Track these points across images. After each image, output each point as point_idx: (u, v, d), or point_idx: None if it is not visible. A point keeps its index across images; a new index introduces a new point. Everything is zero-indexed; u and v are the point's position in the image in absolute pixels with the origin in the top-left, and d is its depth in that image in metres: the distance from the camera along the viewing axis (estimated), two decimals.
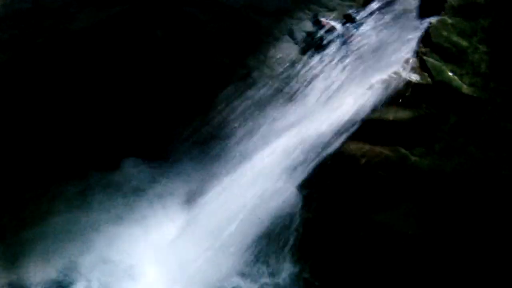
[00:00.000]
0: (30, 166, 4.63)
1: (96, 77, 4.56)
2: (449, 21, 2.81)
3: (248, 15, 4.66)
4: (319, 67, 4.17)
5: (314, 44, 4.35)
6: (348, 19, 4.30)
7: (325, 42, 4.24)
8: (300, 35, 4.54)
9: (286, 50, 4.62)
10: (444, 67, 2.79)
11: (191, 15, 4.56)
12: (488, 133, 2.69)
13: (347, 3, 4.44)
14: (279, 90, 4.51)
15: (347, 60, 3.84)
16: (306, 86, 4.05)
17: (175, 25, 4.54)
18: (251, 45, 4.69)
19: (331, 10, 4.62)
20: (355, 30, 4.20)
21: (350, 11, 4.33)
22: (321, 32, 4.32)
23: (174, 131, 4.63)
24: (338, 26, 4.29)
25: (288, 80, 4.46)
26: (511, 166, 2.63)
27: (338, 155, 2.99)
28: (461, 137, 2.76)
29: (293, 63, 4.54)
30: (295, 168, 3.26)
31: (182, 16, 4.54)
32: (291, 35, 4.60)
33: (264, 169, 3.62)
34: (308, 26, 4.58)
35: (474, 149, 2.71)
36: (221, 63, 4.60)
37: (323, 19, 4.32)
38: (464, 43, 2.77)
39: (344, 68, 3.75)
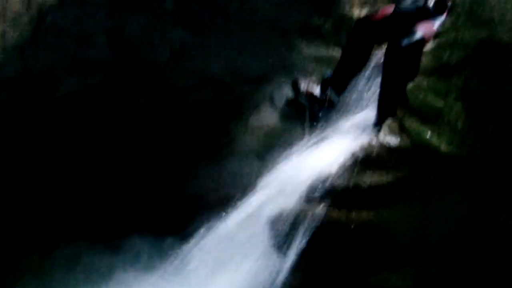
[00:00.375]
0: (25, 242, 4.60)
1: (82, 144, 4.58)
2: (425, 83, 2.85)
3: (229, 82, 4.66)
4: (299, 134, 4.19)
5: (294, 111, 4.36)
6: (325, 84, 4.31)
7: (304, 108, 4.25)
8: (281, 102, 4.56)
9: (268, 117, 4.60)
10: (422, 128, 2.77)
11: (173, 83, 4.58)
12: (468, 187, 2.62)
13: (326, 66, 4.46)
14: (260, 159, 4.49)
15: (326, 125, 3.85)
16: (286, 152, 4.03)
17: (157, 93, 4.54)
18: (232, 113, 4.69)
19: (310, 74, 4.64)
20: (333, 94, 4.21)
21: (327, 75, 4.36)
22: (301, 98, 4.33)
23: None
24: (317, 91, 4.29)
25: (269, 147, 4.45)
26: (494, 214, 2.52)
27: (323, 222, 2.90)
28: (443, 193, 2.68)
29: (273, 130, 4.55)
30: (278, 237, 3.15)
31: (164, 84, 4.54)
32: (272, 101, 4.62)
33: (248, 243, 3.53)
34: (289, 92, 4.60)
35: (456, 203, 2.62)
36: (203, 131, 4.63)
37: (301, 85, 4.32)
38: (440, 103, 2.77)
39: (323, 133, 3.75)
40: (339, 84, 4.10)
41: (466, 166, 2.61)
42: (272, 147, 4.49)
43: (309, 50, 4.74)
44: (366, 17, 4.10)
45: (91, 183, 4.71)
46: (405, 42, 3.09)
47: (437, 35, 2.91)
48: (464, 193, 2.61)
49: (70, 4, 4.26)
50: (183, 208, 4.60)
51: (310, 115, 4.18)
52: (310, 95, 4.17)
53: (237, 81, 4.74)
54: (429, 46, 2.89)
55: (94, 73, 4.48)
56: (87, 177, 4.72)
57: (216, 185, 4.70)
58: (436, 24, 3.18)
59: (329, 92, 4.13)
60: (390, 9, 3.82)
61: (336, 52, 4.37)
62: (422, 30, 3.13)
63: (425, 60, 2.87)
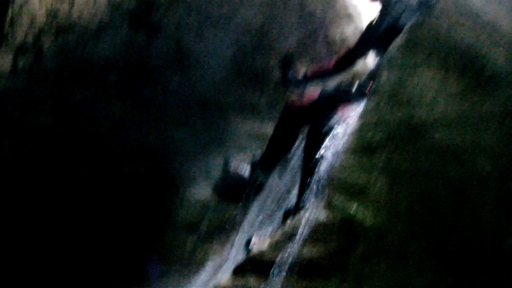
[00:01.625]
0: None
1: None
2: (349, 161, 2.88)
3: (166, 155, 4.62)
4: (232, 212, 4.20)
5: (227, 189, 4.36)
6: (255, 166, 4.34)
7: (236, 187, 4.25)
8: (215, 177, 4.54)
9: (202, 193, 4.58)
10: (348, 203, 2.78)
11: (111, 153, 4.52)
12: (391, 258, 2.64)
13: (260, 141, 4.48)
14: (195, 232, 4.44)
15: (256, 205, 3.86)
16: (221, 228, 4.01)
17: (95, 162, 4.47)
18: (169, 185, 4.63)
19: (244, 151, 4.66)
20: (261, 175, 4.23)
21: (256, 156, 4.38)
22: (233, 177, 4.34)
23: None
24: (247, 171, 4.31)
25: (203, 220, 4.40)
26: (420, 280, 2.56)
27: None
28: (371, 262, 2.69)
29: (208, 204, 4.49)
30: None
31: (103, 154, 4.49)
32: (207, 177, 4.60)
33: None
34: (223, 168, 4.60)
35: (384, 270, 2.63)
36: (139, 202, 4.54)
37: (233, 165, 4.33)
38: (364, 179, 2.80)
39: (254, 212, 3.76)
40: (268, 164, 4.17)
41: (389, 239, 2.62)
42: (207, 221, 4.47)
43: (245, 126, 4.78)
44: (294, 101, 4.21)
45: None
46: (324, 128, 3.19)
47: (361, 115, 2.97)
48: (388, 262, 2.62)
49: (21, 73, 4.19)
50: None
51: (242, 195, 4.21)
52: (240, 176, 4.21)
53: (174, 154, 4.70)
54: (353, 126, 2.94)
55: (36, 138, 4.38)
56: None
57: (152, 258, 4.59)
58: (358, 107, 3.27)
59: (258, 173, 4.19)
60: (316, 92, 3.97)
61: (270, 129, 4.42)
62: (342, 115, 3.24)
63: (349, 139, 2.90)
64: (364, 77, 3.79)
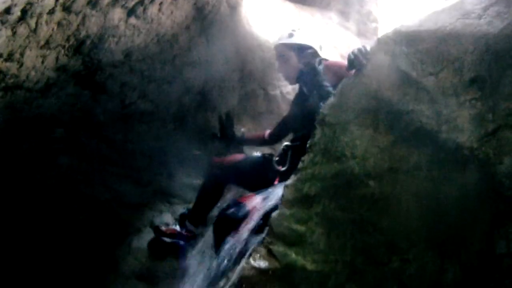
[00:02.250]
0: None
1: None
2: (287, 212, 2.93)
3: (112, 207, 4.59)
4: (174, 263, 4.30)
5: (160, 250, 4.48)
6: (183, 219, 4.48)
7: (169, 246, 4.40)
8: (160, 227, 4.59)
9: (158, 241, 4.61)
10: (288, 251, 2.84)
11: (58, 206, 4.46)
12: None
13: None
14: (143, 280, 4.41)
15: (193, 257, 3.97)
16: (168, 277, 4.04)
17: (41, 216, 4.41)
18: (116, 236, 4.58)
19: (188, 201, 4.72)
20: (191, 227, 4.37)
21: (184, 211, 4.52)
22: (163, 238, 4.47)
23: None
24: (177, 228, 4.44)
25: (151, 269, 4.39)
26: None
27: None
28: None
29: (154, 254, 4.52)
30: None
31: (48, 207, 4.44)
32: (152, 227, 4.64)
33: None
34: (167, 218, 4.65)
35: None
36: (88, 254, 4.46)
37: (162, 228, 4.48)
38: (302, 228, 2.87)
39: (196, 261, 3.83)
40: (196, 217, 4.32)
41: (331, 282, 2.71)
42: (154, 270, 4.47)
43: (187, 179, 4.87)
44: (218, 160, 4.40)
45: None
46: (232, 215, 3.41)
47: (297, 170, 3.09)
48: None
49: None
50: None
51: (177, 249, 4.30)
52: (171, 233, 4.34)
53: (120, 206, 4.69)
54: (289, 181, 3.07)
55: None
56: None
57: None
58: (268, 196, 3.47)
59: (187, 226, 4.32)
60: (240, 156, 4.18)
61: None
62: (249, 205, 3.45)
63: (287, 192, 3.02)
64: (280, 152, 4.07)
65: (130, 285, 4.53)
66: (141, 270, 4.61)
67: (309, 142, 3.19)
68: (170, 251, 4.54)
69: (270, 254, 2.89)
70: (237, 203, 3.55)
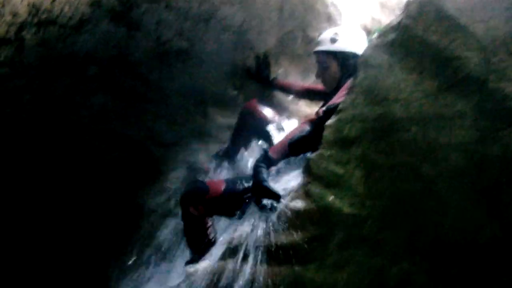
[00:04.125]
0: None
1: None
2: (327, 153, 2.93)
3: (146, 146, 4.63)
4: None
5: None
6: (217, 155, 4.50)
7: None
8: (195, 166, 4.65)
9: (182, 180, 4.67)
10: (325, 193, 2.85)
11: (92, 143, 4.49)
12: (368, 244, 2.72)
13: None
14: (175, 218, 4.49)
15: None
16: None
17: (75, 151, 4.45)
18: (149, 174, 4.68)
19: (223, 141, 4.77)
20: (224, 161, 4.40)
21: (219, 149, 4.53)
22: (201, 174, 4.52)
23: None
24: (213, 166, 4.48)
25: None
26: (396, 268, 2.63)
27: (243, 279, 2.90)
28: (348, 249, 2.77)
29: None
30: None
31: (83, 143, 4.47)
32: (186, 166, 4.69)
33: None
34: (202, 157, 4.70)
35: (361, 258, 2.71)
36: (118, 193, 4.56)
37: (202, 164, 4.51)
38: (341, 170, 2.87)
39: None
40: (229, 154, 4.39)
41: (366, 227, 2.70)
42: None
43: (223, 119, 4.86)
44: (250, 106, 4.35)
45: None
46: None
47: (338, 111, 3.05)
48: (365, 250, 2.69)
49: (2, 63, 4.17)
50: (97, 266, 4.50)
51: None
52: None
53: (154, 145, 4.73)
54: (330, 121, 3.03)
55: (17, 127, 4.36)
56: None
57: (132, 246, 4.63)
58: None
59: (223, 163, 4.34)
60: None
61: None
62: None
63: (327, 133, 2.99)
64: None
65: (161, 222, 4.64)
66: (172, 208, 4.70)
67: (351, 82, 3.14)
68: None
69: (308, 195, 2.90)
70: None
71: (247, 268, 2.92)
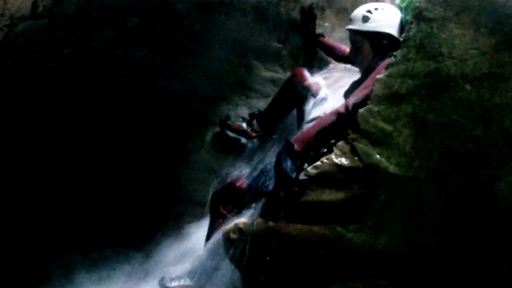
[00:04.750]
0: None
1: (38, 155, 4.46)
2: (375, 109, 2.85)
3: (187, 100, 4.61)
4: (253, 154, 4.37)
5: (222, 144, 4.57)
6: (252, 118, 4.45)
7: (232, 141, 4.43)
8: (235, 121, 4.63)
9: (223, 134, 4.66)
10: (372, 151, 2.78)
11: (132, 96, 4.50)
12: (414, 206, 2.66)
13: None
14: (214, 172, 4.52)
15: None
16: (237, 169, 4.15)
17: (115, 104, 4.48)
18: (190, 128, 4.66)
19: (266, 95, 4.71)
20: (257, 128, 4.34)
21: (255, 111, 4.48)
22: (228, 132, 4.54)
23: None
24: (243, 126, 4.45)
25: (223, 162, 4.54)
26: (435, 239, 2.59)
27: (275, 236, 2.86)
28: (390, 212, 2.71)
29: (228, 147, 4.66)
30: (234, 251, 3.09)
31: (123, 96, 4.49)
32: (228, 120, 4.67)
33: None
34: (243, 112, 4.66)
35: (403, 223, 2.66)
36: (160, 143, 4.57)
37: (229, 122, 4.48)
38: (389, 128, 2.79)
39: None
40: (265, 121, 4.24)
41: (411, 189, 2.63)
42: (225, 163, 4.53)
43: (267, 73, 4.78)
44: (299, 74, 4.22)
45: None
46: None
47: (388, 65, 2.94)
48: (408, 214, 2.64)
49: (41, 14, 4.16)
50: (141, 224, 4.54)
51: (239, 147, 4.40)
52: (236, 128, 4.29)
53: (195, 99, 4.70)
54: (380, 76, 2.92)
55: (56, 81, 4.36)
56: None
57: (172, 199, 4.66)
58: None
59: (254, 125, 4.26)
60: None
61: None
62: None
63: (376, 88, 2.89)
64: None
65: (201, 176, 4.64)
66: (212, 162, 4.70)
67: (403, 36, 3.03)
68: (232, 146, 4.59)
69: (353, 151, 2.83)
70: None
71: None
